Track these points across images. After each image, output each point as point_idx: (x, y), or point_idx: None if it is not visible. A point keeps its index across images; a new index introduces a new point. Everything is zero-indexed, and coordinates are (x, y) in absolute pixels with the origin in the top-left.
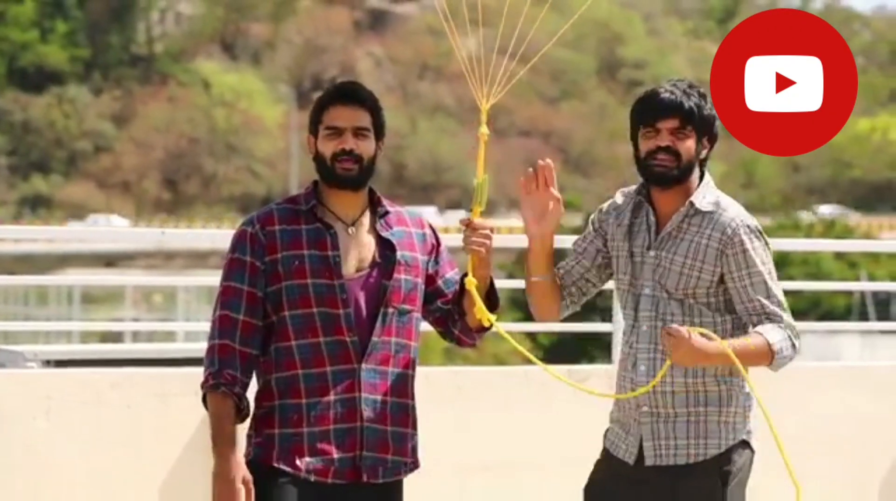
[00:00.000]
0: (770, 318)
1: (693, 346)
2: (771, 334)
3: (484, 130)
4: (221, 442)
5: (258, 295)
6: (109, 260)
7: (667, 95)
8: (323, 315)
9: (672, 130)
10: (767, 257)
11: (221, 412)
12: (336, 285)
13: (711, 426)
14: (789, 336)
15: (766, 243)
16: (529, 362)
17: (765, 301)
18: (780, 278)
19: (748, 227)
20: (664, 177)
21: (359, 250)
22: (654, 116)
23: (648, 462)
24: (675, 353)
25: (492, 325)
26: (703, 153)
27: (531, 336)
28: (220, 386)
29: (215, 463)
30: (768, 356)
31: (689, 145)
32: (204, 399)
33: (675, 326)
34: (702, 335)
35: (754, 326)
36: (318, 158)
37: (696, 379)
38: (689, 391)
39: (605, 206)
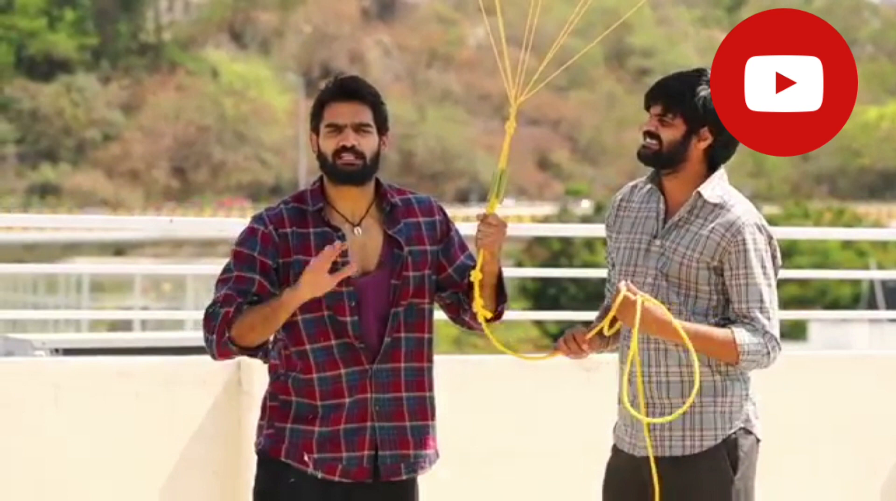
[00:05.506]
0: (752, 323)
1: (641, 311)
2: (739, 333)
3: (512, 123)
4: (286, 300)
5: (268, 288)
6: (118, 249)
7: (662, 81)
8: (332, 320)
9: (657, 115)
10: (768, 261)
11: (259, 309)
12: (345, 292)
13: (707, 417)
14: (765, 344)
15: (772, 245)
16: (539, 350)
17: (754, 306)
18: (788, 267)
19: (755, 226)
20: (643, 157)
21: (366, 251)
22: (646, 101)
23: (648, 452)
24: (621, 309)
25: (499, 316)
26: (704, 144)
27: (539, 324)
28: (235, 308)
29: (295, 294)
30: (733, 353)
31: (672, 132)
32: (233, 348)
33: (630, 286)
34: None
35: (732, 323)
36: (320, 156)
37: (689, 368)
38: (683, 381)
39: (612, 202)
